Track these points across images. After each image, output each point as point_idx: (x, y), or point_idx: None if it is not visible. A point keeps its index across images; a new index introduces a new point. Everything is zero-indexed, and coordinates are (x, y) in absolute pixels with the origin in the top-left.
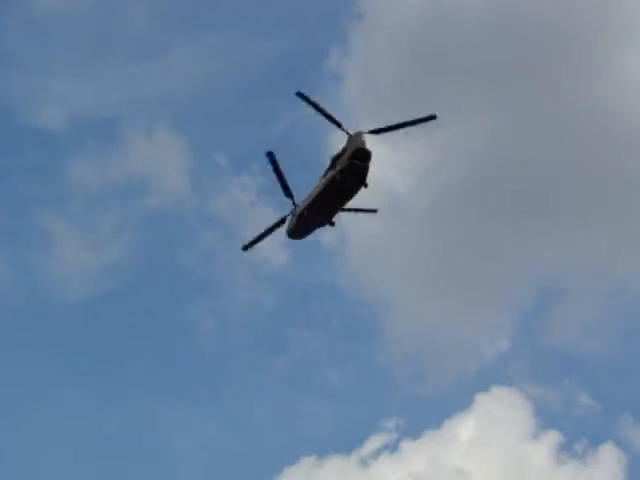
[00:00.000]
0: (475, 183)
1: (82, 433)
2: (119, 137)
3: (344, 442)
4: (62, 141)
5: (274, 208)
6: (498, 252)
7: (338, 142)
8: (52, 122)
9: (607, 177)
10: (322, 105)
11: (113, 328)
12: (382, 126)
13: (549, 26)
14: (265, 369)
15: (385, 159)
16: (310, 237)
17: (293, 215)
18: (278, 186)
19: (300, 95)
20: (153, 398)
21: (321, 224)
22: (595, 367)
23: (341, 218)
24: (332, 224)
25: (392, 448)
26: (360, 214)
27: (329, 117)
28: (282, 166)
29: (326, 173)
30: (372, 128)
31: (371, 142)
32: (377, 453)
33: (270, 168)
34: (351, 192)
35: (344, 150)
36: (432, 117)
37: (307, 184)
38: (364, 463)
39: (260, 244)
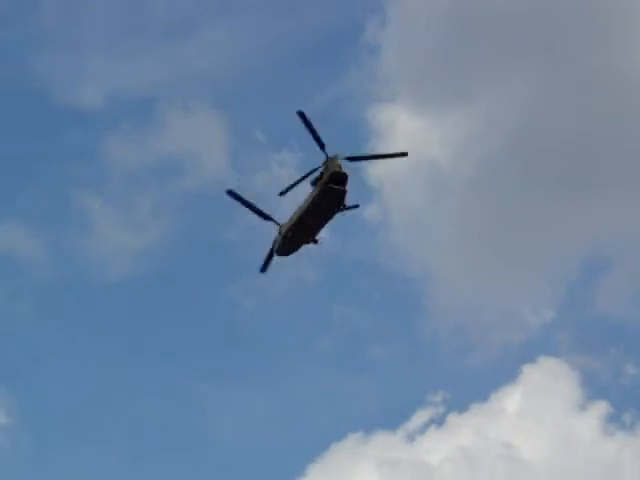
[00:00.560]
0: (516, 153)
1: (125, 414)
2: (157, 116)
3: (390, 417)
4: (99, 121)
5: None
6: (542, 222)
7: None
8: (89, 102)
9: None
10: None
11: (154, 308)
12: (357, 154)
13: None
14: (310, 347)
15: (426, 132)
16: (351, 212)
17: (279, 235)
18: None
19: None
20: (197, 378)
21: (306, 242)
22: None
23: (383, 192)
24: (315, 242)
25: (439, 422)
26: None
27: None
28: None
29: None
30: (349, 155)
31: (418, 112)
32: (424, 428)
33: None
34: (331, 213)
35: (322, 174)
36: (404, 154)
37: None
38: (411, 438)
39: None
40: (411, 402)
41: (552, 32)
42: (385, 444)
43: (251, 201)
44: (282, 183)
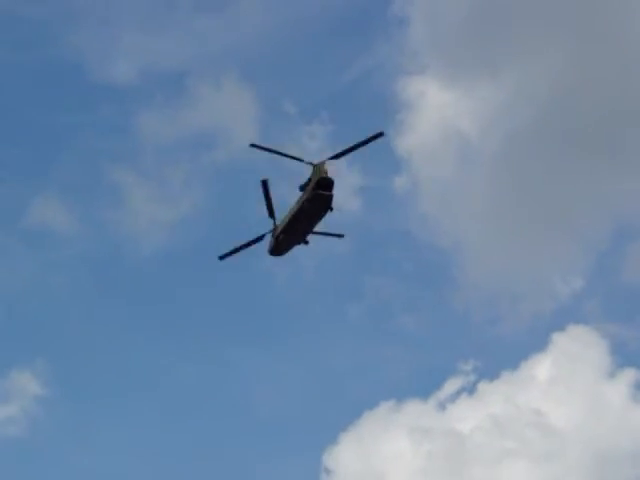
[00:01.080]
0: (544, 124)
1: (161, 383)
2: (189, 90)
3: (422, 386)
4: (132, 95)
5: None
6: (572, 192)
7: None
8: (122, 77)
9: None
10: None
11: (187, 280)
12: (339, 151)
13: None
14: (341, 316)
15: (455, 104)
16: (381, 182)
17: (272, 237)
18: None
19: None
20: (231, 347)
21: (297, 243)
22: None
23: (412, 163)
24: (306, 243)
25: (470, 390)
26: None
27: (289, 156)
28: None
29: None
30: (331, 154)
31: (447, 84)
32: (455, 396)
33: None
34: (319, 216)
35: (309, 180)
36: (380, 134)
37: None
38: (442, 406)
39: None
40: (442, 371)
41: (584, 4)
42: (417, 412)
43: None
44: (313, 155)
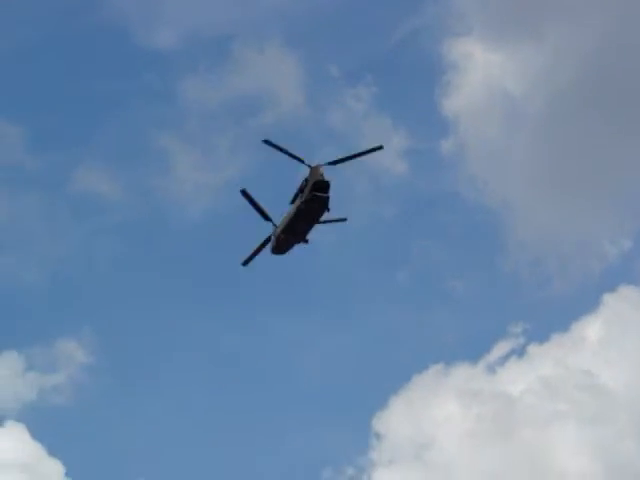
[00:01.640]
0: (589, 84)
1: (206, 350)
2: (233, 55)
3: (471, 349)
4: (176, 61)
5: (391, 116)
6: (617, 152)
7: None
8: (166, 43)
9: None
10: None
11: (233, 246)
12: (338, 158)
13: None
14: (389, 281)
15: (500, 65)
16: (427, 145)
17: (273, 236)
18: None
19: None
20: (277, 313)
21: (297, 242)
22: None
23: (459, 125)
24: (306, 241)
25: (519, 353)
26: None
27: (292, 156)
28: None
29: (294, 199)
30: (330, 160)
31: (492, 45)
32: (504, 359)
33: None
34: (317, 216)
35: (306, 182)
36: (379, 147)
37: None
38: (491, 369)
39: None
40: (491, 334)
41: None
42: (466, 375)
43: (259, 204)
44: (358, 118)
